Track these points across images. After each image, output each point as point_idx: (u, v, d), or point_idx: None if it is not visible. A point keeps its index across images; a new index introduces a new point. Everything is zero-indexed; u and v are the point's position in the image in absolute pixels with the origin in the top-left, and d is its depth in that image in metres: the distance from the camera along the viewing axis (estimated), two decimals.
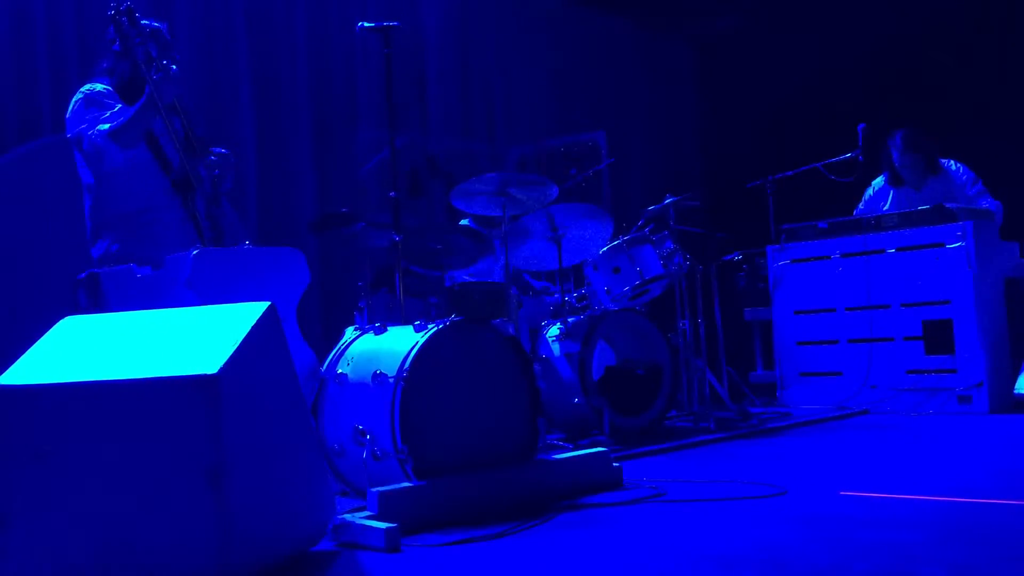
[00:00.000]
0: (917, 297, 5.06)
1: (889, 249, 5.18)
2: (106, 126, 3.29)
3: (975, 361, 4.83)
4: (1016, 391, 4.74)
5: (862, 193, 5.76)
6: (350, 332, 3.18)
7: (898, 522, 2.41)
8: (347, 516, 2.48)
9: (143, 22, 3.38)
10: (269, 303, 2.23)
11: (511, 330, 3.07)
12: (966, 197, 5.34)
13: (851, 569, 1.99)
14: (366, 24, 3.42)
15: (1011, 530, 2.29)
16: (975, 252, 4.87)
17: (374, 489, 2.54)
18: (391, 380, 2.76)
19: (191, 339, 2.11)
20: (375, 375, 2.81)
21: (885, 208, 5.57)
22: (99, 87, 3.46)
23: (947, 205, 5.11)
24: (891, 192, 5.60)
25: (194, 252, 2.93)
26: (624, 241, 4.49)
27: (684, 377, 4.68)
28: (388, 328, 3.07)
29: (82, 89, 3.46)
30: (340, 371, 2.97)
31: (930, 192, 5.44)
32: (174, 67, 3.25)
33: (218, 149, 3.55)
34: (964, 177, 5.42)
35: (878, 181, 5.66)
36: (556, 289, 4.76)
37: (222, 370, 1.97)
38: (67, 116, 3.44)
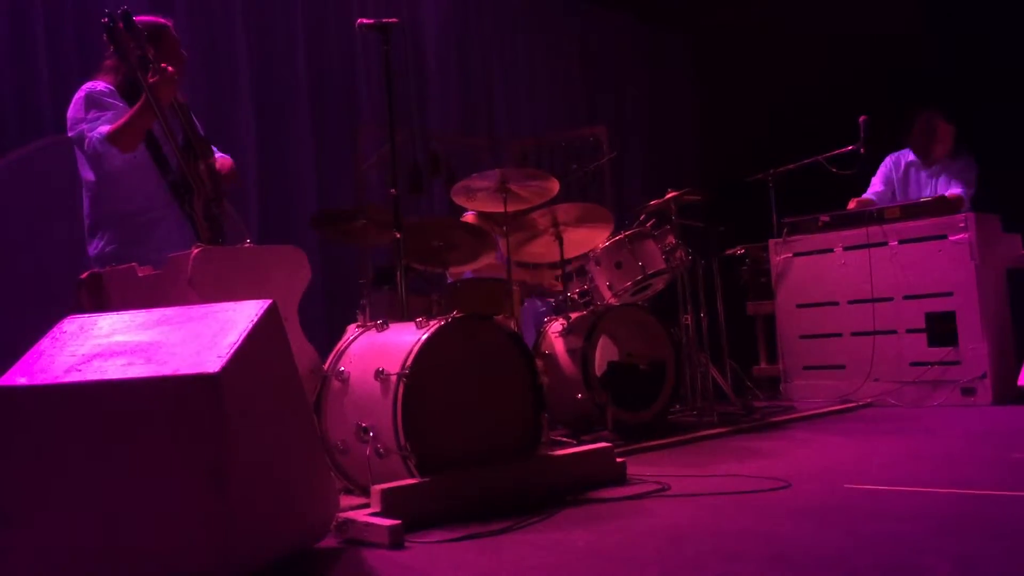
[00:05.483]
0: (920, 289, 5.05)
1: (892, 241, 5.17)
2: (105, 128, 3.28)
3: (978, 353, 4.83)
4: (1020, 382, 4.73)
5: (864, 185, 5.75)
6: (352, 329, 3.18)
7: (902, 514, 2.41)
8: (351, 513, 2.48)
9: (143, 22, 3.37)
10: (271, 301, 2.23)
11: (513, 326, 3.07)
12: (955, 182, 5.40)
13: (855, 561, 1.98)
14: (365, 21, 3.42)
15: (1015, 522, 2.28)
16: (978, 244, 4.86)
17: (377, 486, 2.54)
18: (394, 377, 2.76)
19: (193, 338, 2.11)
20: (377, 372, 2.81)
21: (898, 178, 5.63)
22: (101, 85, 3.45)
23: (947, 195, 5.11)
24: (906, 160, 5.65)
25: (196, 251, 2.93)
26: (626, 236, 4.48)
27: (687, 372, 4.67)
28: (390, 325, 3.07)
29: (84, 87, 3.45)
30: (342, 368, 2.97)
31: (935, 169, 5.52)
32: (170, 69, 3.24)
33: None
34: (965, 165, 5.43)
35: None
36: (558, 285, 4.76)
37: (224, 368, 1.97)
38: (68, 113, 3.43)
